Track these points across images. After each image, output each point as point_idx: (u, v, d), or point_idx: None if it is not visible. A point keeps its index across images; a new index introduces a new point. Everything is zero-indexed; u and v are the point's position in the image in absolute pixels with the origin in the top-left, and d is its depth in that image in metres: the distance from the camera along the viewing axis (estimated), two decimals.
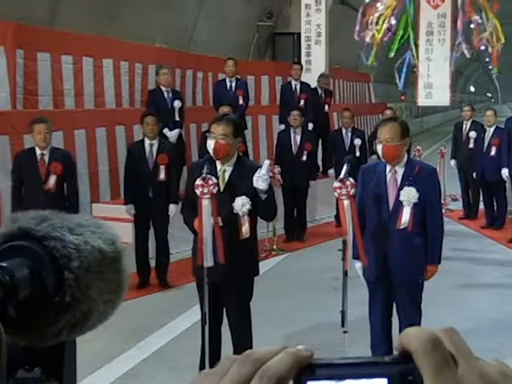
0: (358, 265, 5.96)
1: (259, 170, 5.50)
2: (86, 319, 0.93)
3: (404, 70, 16.51)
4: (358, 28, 15.98)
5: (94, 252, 0.93)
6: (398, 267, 5.81)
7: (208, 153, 5.78)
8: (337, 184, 5.84)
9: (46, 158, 8.36)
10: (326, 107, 14.76)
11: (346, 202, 5.78)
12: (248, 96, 13.34)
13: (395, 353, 0.65)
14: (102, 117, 11.66)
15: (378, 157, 6.19)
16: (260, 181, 5.44)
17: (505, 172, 11.83)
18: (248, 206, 5.51)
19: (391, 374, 0.61)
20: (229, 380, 0.62)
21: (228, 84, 12.94)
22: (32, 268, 0.89)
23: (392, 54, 16.77)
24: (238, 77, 13.18)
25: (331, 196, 10.86)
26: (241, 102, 12.74)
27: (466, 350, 0.63)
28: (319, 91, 14.66)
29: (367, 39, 15.83)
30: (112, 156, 11.51)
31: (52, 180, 8.28)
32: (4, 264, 0.88)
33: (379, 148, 5.80)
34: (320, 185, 13.19)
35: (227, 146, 5.60)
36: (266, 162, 5.67)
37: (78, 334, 0.95)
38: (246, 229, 5.54)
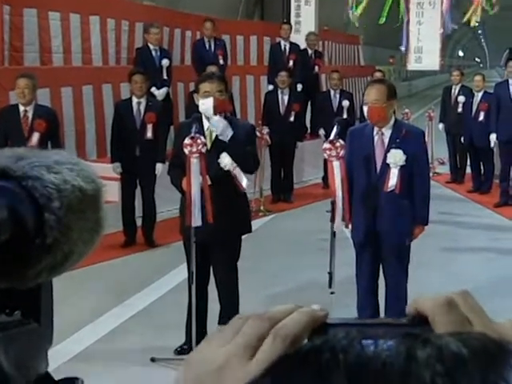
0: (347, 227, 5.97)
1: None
2: (65, 260, 0.90)
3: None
4: None
5: (74, 191, 0.89)
6: (386, 229, 5.82)
7: (196, 112, 5.75)
8: (327, 145, 5.81)
9: (30, 115, 8.28)
10: (316, 68, 14.70)
11: (336, 164, 5.75)
12: (227, 55, 13.27)
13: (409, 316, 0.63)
14: (89, 74, 11.53)
15: None
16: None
17: (493, 137, 11.83)
18: (231, 162, 5.53)
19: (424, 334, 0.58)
20: (243, 337, 0.61)
21: (207, 44, 12.84)
22: (11, 209, 0.85)
23: (383, 20, 16.68)
24: (217, 36, 13.10)
25: (318, 157, 10.92)
26: (221, 61, 12.66)
27: (481, 313, 0.63)
28: (309, 52, 14.59)
29: None
30: (99, 114, 11.41)
31: (35, 137, 8.18)
32: None
33: (365, 109, 5.80)
34: (307, 146, 13.17)
35: (225, 102, 5.75)
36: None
37: (56, 275, 0.92)
38: (245, 182, 5.64)
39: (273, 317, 0.61)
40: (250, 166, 5.90)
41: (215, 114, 5.61)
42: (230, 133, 5.56)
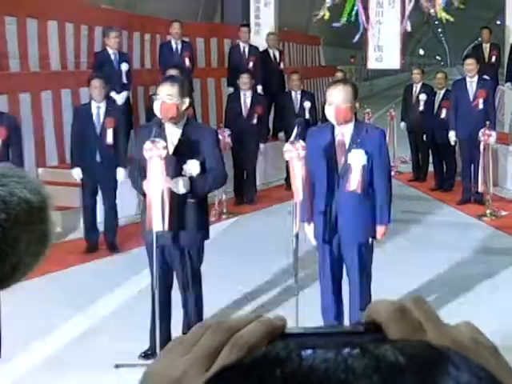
0: (309, 228, 5.95)
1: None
2: (13, 272, 0.87)
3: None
4: None
5: (20, 203, 0.86)
6: (348, 229, 5.81)
7: (156, 116, 5.73)
8: (287, 146, 5.79)
9: None
10: (282, 65, 14.83)
11: (297, 165, 5.74)
12: (194, 58, 13.24)
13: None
14: (48, 80, 11.43)
15: None
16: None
17: (452, 135, 11.88)
18: (198, 171, 5.49)
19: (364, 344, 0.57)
20: (201, 348, 0.61)
21: (174, 46, 12.82)
22: None
23: (344, 19, 16.70)
24: (184, 39, 13.07)
25: (281, 159, 10.85)
26: (187, 64, 12.62)
27: (435, 318, 0.63)
28: (271, 51, 14.59)
29: None
30: (58, 120, 11.31)
31: None
32: None
33: (330, 110, 5.73)
34: (270, 147, 13.14)
35: (173, 106, 5.57)
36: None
37: (5, 287, 0.89)
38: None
39: (232, 326, 0.61)
40: (216, 184, 5.93)
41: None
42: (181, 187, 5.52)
